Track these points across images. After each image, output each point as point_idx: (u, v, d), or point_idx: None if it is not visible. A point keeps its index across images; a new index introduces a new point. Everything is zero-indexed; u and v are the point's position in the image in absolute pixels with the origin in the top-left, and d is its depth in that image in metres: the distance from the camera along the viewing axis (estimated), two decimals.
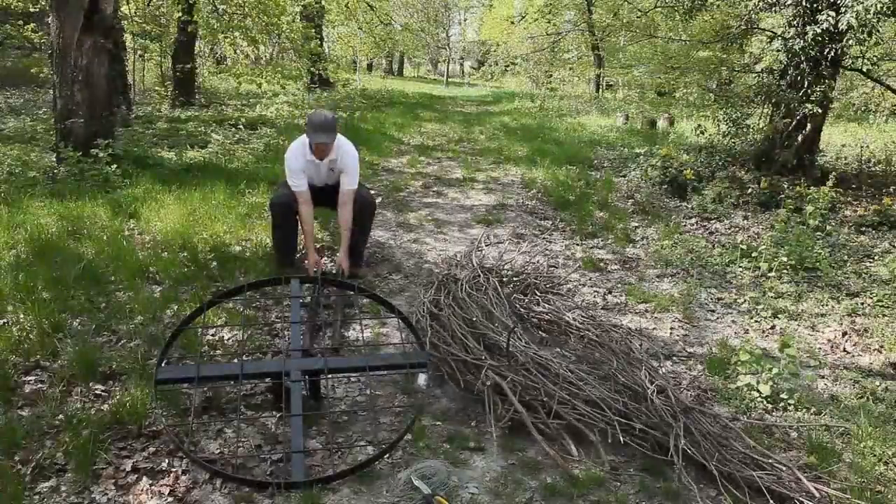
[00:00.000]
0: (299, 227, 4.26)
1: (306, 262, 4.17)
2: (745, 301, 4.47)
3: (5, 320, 3.28)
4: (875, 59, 8.71)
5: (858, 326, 4.17)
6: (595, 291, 4.54)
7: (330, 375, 2.96)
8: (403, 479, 2.40)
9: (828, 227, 5.99)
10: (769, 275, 4.94)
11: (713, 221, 6.46)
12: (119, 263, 4.02)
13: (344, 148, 4.16)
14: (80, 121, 6.12)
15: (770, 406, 3.17)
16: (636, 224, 6.30)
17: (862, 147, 9.63)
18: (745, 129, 8.14)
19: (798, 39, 7.13)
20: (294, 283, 3.33)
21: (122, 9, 9.51)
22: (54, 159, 6.32)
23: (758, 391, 3.21)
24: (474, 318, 3.31)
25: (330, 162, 4.15)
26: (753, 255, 5.24)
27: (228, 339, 3.46)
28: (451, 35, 43.15)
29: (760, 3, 7.85)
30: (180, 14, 10.34)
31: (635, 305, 4.34)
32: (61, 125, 6.18)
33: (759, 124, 8.30)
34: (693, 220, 6.47)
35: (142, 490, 2.30)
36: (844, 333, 4.09)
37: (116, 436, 2.55)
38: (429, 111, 16.82)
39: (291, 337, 3.02)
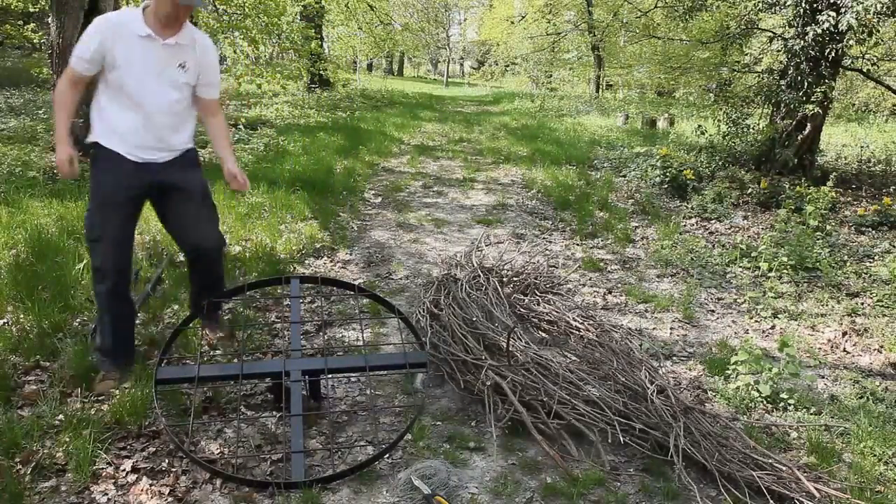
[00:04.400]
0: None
1: (55, 159, 2.80)
2: (744, 301, 4.47)
3: (5, 320, 3.28)
4: (875, 59, 8.72)
5: (858, 326, 4.17)
6: (595, 291, 4.54)
7: (330, 375, 2.96)
8: (403, 479, 2.40)
9: (828, 227, 6.00)
10: (769, 275, 4.94)
11: (713, 221, 6.46)
12: None
13: (201, 37, 2.84)
14: (80, 121, 6.11)
15: (770, 406, 3.17)
16: (636, 224, 6.30)
17: (862, 147, 9.65)
18: (745, 129, 8.14)
19: (798, 39, 7.14)
20: (294, 283, 3.33)
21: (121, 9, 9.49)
22: (54, 159, 6.32)
23: (758, 391, 3.21)
24: (474, 318, 3.31)
25: (177, 47, 2.71)
26: (753, 255, 5.24)
27: None
28: (451, 35, 43.21)
29: (760, 4, 7.86)
30: None
31: (635, 305, 4.34)
32: None
33: (759, 124, 8.30)
34: (693, 220, 6.47)
35: (142, 490, 2.30)
36: (844, 333, 4.08)
37: (116, 436, 2.55)
38: (429, 111, 16.83)
39: (291, 337, 3.02)
